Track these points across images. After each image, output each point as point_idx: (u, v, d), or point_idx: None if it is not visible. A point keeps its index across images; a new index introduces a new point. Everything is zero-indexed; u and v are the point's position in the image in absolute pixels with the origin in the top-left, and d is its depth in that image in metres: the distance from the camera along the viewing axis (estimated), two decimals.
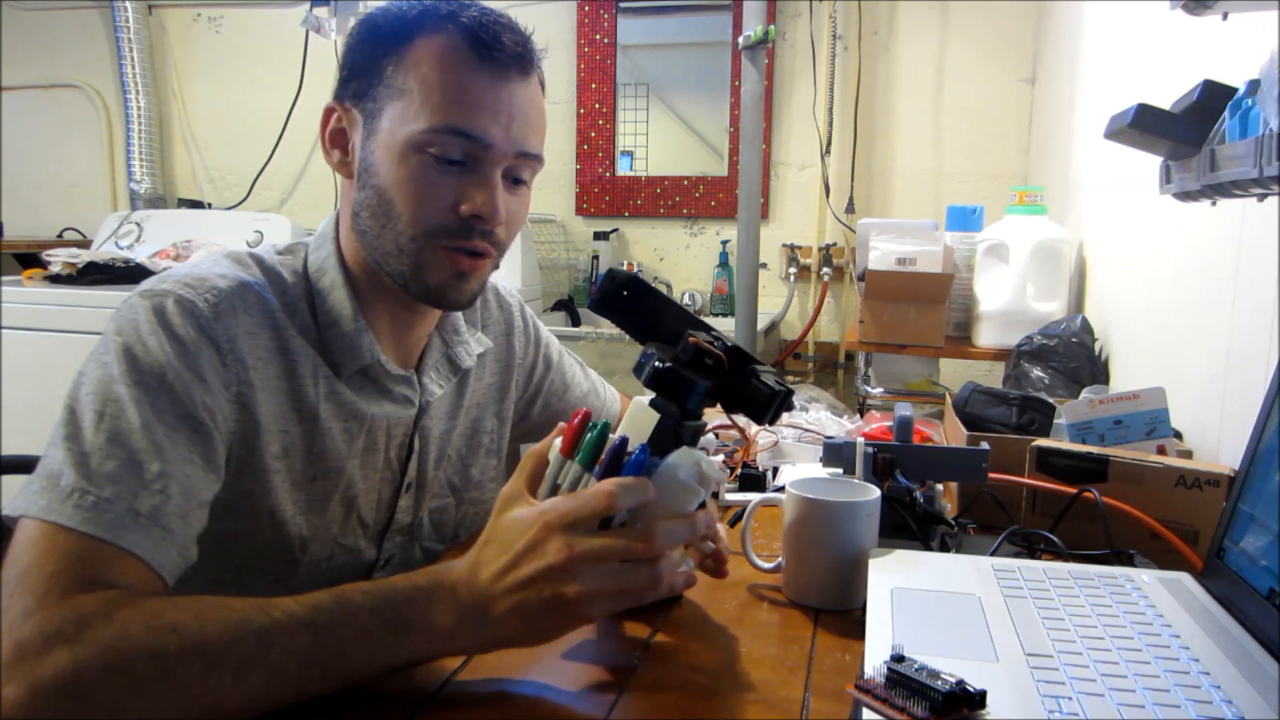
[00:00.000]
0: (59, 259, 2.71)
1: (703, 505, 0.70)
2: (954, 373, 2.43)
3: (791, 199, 3.07)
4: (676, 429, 0.68)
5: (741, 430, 1.21)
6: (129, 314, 0.75)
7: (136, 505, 0.66)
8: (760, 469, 1.19)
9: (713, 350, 0.68)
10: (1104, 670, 0.61)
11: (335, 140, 0.86)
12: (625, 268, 2.54)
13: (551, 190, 3.23)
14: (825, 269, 2.98)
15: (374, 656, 0.62)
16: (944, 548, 0.91)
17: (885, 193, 2.98)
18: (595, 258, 3.18)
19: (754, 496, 0.92)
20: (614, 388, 1.27)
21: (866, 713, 0.56)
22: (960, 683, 0.55)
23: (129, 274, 2.72)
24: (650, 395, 0.69)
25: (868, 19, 2.92)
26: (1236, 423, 1.06)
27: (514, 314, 1.09)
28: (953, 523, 0.95)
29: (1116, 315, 1.74)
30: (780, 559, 0.84)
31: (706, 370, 0.68)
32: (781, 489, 0.85)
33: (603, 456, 0.65)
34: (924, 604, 0.71)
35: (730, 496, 1.07)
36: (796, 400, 1.28)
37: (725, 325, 2.77)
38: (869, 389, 2.23)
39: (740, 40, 2.70)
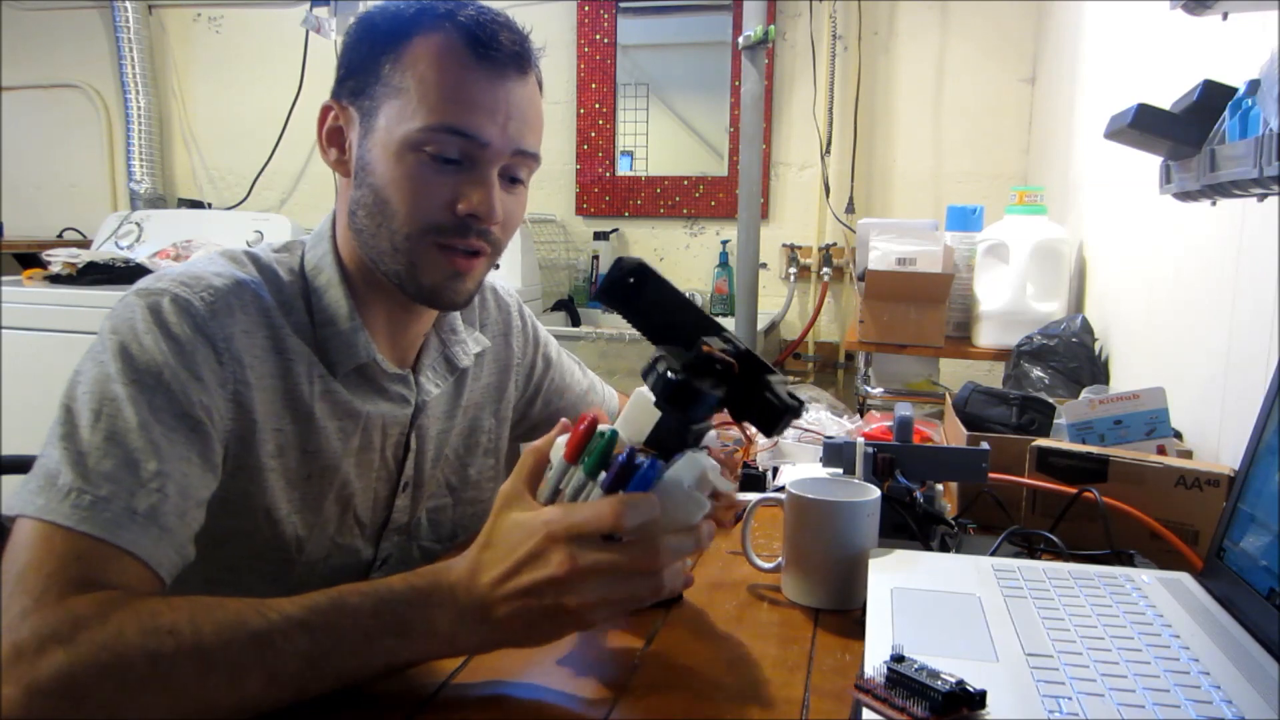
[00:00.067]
0: (59, 259, 2.71)
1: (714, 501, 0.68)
2: (954, 373, 2.43)
3: (791, 199, 3.07)
4: (681, 432, 0.66)
5: (742, 429, 1.21)
6: (125, 313, 0.75)
7: (133, 504, 0.66)
8: (760, 469, 1.19)
9: (726, 360, 0.65)
10: (1104, 670, 0.61)
11: (332, 138, 0.86)
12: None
13: (551, 190, 3.23)
14: (825, 269, 2.98)
15: (372, 658, 0.61)
16: (944, 548, 0.91)
17: (885, 193, 2.98)
18: (595, 258, 3.18)
19: (754, 496, 0.92)
20: (612, 387, 1.27)
21: (866, 713, 0.56)
22: (960, 683, 0.54)
23: (129, 274, 2.72)
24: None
25: (868, 19, 2.92)
26: (1236, 423, 1.06)
27: (512, 314, 1.09)
28: (953, 523, 0.95)
29: (1116, 315, 1.74)
30: (780, 559, 0.84)
31: (718, 378, 0.65)
32: (781, 489, 0.85)
33: (609, 468, 0.63)
34: (924, 604, 0.71)
35: None
36: None
37: (725, 325, 2.76)
38: (869, 389, 2.23)
39: (740, 40, 2.70)
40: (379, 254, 0.83)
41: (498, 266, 0.89)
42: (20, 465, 1.24)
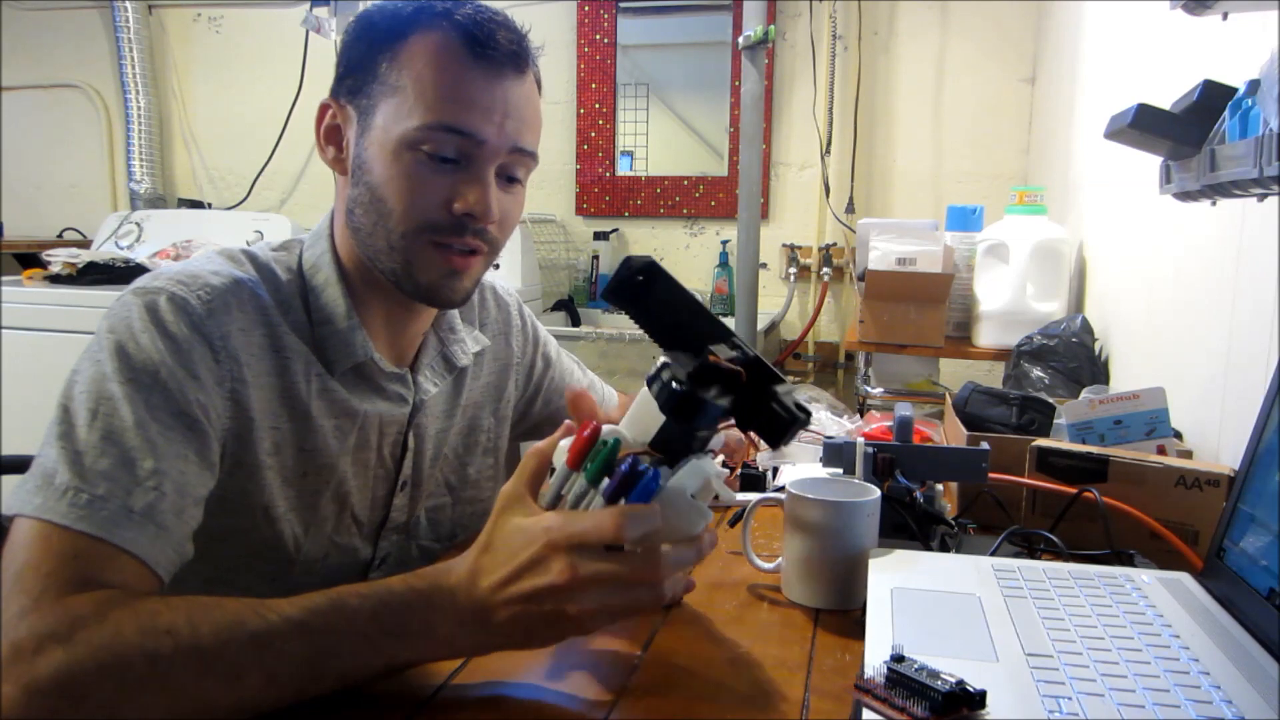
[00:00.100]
0: (59, 259, 2.71)
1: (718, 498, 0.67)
2: (954, 373, 2.43)
3: (791, 199, 3.07)
4: (686, 438, 0.65)
5: (749, 438, 1.21)
6: (122, 311, 0.75)
7: (131, 503, 0.66)
8: (760, 469, 1.19)
9: (733, 369, 0.64)
10: (1104, 670, 0.60)
11: (330, 137, 0.86)
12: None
13: (551, 190, 3.23)
14: (825, 269, 2.98)
15: (370, 660, 0.61)
16: (944, 548, 0.91)
17: (885, 193, 2.98)
18: (595, 258, 3.18)
19: (754, 496, 0.92)
20: (611, 387, 1.27)
21: (866, 713, 0.56)
22: (960, 683, 0.54)
23: (129, 274, 2.72)
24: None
25: (868, 19, 2.92)
26: (1236, 423, 1.06)
27: (512, 313, 1.09)
28: (953, 523, 0.95)
29: (1116, 315, 1.74)
30: (780, 559, 0.84)
31: (724, 387, 0.64)
32: (781, 489, 0.85)
33: (612, 478, 0.62)
34: (924, 604, 0.71)
35: None
36: None
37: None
38: (869, 389, 2.23)
39: (740, 40, 2.70)
40: (376, 252, 0.83)
41: (497, 266, 0.89)
42: (20, 465, 1.24)
